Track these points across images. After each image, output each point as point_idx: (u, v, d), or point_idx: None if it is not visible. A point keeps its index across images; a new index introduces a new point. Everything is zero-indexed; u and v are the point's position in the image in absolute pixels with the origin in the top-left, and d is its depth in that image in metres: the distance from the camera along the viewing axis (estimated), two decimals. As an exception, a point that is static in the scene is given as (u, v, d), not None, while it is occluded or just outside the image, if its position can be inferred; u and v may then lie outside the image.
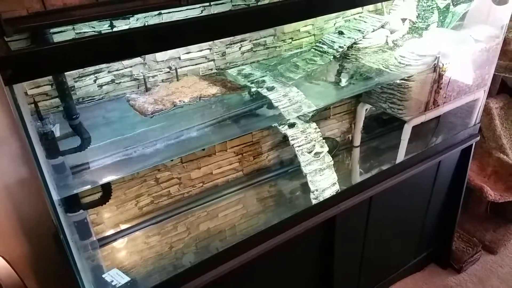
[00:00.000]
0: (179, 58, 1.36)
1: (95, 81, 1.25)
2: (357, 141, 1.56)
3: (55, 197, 0.98)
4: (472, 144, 1.88)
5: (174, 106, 1.26)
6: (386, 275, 2.12)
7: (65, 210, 1.06)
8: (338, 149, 1.59)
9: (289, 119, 1.44)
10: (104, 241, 1.35)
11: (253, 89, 1.41)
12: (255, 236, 1.33)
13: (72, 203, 1.10)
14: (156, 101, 1.27)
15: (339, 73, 1.61)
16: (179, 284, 1.20)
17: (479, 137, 1.91)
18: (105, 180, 1.09)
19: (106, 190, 1.20)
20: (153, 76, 1.34)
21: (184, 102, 1.27)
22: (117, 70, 1.26)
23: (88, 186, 1.06)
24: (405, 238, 2.08)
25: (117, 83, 1.28)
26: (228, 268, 1.28)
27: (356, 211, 1.59)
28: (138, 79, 1.31)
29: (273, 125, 1.42)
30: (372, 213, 1.69)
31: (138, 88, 1.32)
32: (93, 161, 1.08)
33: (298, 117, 1.46)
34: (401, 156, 1.65)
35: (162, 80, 1.36)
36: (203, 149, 1.43)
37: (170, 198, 1.38)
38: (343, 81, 1.58)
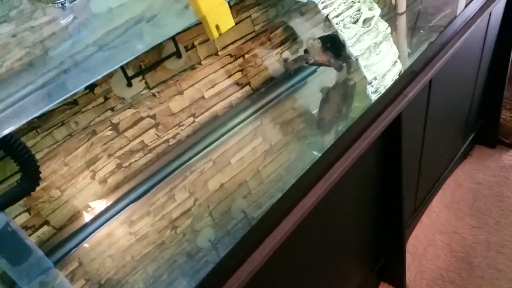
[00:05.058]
0: None
1: None
2: (403, 6, 1.02)
3: None
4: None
5: None
6: (440, 173, 1.71)
7: None
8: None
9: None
10: (60, 253, 0.79)
11: None
12: (307, 176, 0.80)
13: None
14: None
15: None
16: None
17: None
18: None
19: (26, 164, 0.62)
20: None
21: None
22: None
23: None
24: (456, 121, 1.64)
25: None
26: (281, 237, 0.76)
27: (418, 99, 1.09)
28: None
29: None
30: (432, 95, 1.20)
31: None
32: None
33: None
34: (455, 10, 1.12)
35: None
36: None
37: (148, 152, 0.79)
38: None
